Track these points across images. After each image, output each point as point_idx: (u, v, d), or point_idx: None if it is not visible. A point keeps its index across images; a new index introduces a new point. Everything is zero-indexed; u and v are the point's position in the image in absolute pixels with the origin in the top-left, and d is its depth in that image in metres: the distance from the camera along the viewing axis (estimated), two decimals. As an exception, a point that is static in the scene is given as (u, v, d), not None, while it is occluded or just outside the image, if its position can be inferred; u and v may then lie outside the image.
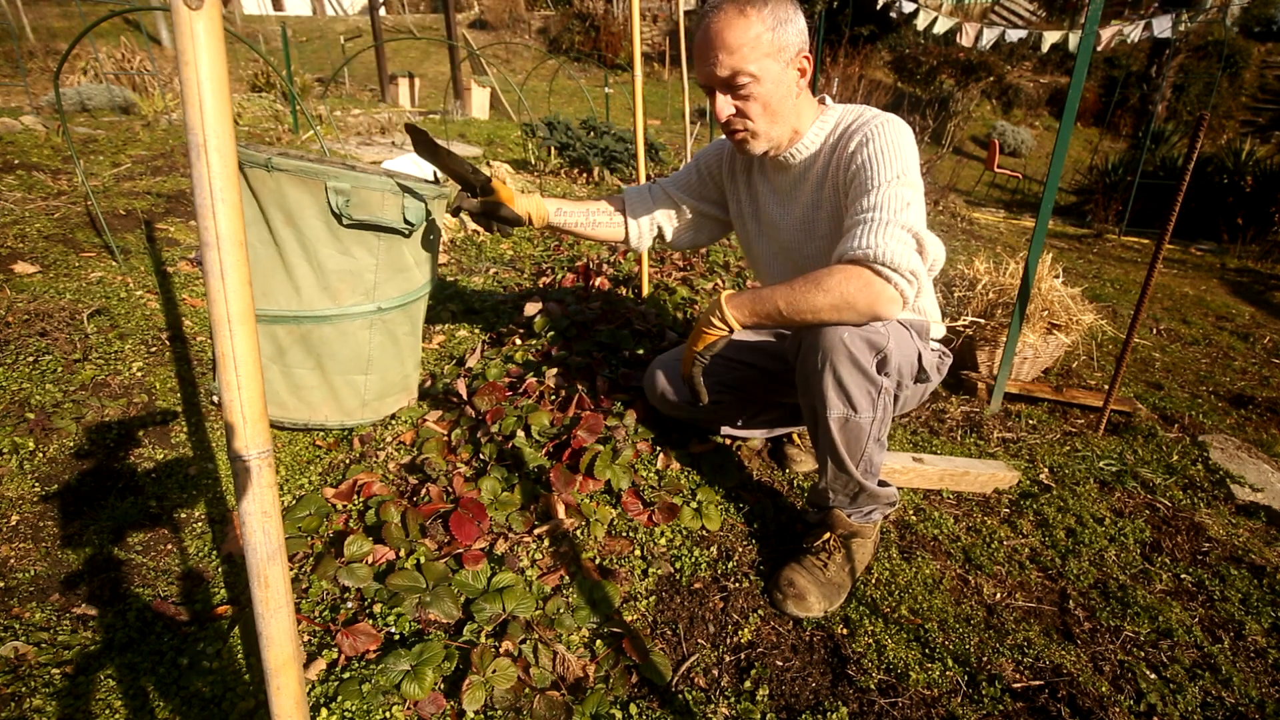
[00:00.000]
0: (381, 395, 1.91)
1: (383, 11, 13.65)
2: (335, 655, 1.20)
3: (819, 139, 1.45)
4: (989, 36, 7.12)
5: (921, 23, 7.07)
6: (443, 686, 1.16)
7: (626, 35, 14.74)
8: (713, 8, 1.34)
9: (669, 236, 1.76)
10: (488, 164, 4.87)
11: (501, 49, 14.89)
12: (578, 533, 1.55)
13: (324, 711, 1.09)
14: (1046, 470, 2.04)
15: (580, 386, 1.90)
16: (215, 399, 2.01)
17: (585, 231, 1.68)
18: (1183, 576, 1.64)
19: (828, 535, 1.51)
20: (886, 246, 1.21)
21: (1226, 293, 4.85)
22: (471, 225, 3.86)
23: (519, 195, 1.56)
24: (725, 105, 1.39)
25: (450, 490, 1.60)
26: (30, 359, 1.97)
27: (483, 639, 1.24)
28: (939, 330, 1.63)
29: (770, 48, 1.32)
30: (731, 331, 1.36)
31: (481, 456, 1.72)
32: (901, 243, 1.22)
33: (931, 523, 1.74)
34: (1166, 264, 5.62)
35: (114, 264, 2.68)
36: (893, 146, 1.31)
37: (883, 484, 1.50)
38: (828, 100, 1.48)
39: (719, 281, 2.96)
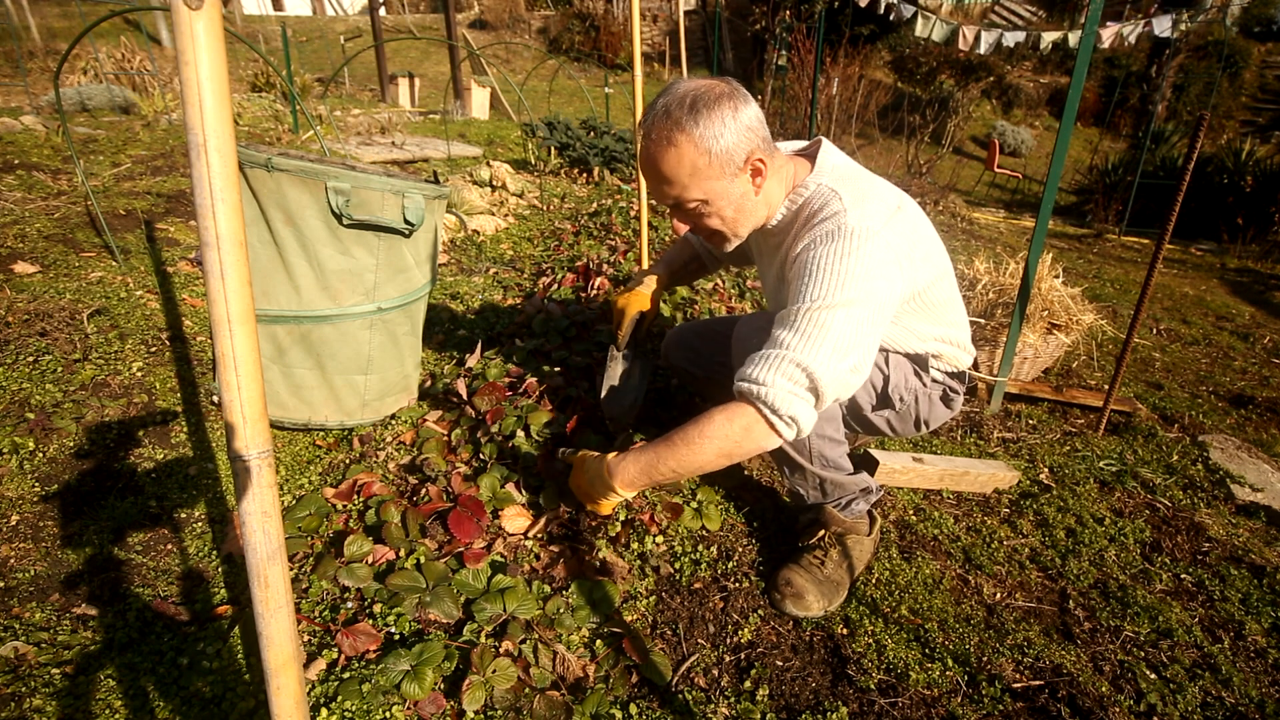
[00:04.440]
0: (381, 395, 1.91)
1: (383, 11, 13.65)
2: (335, 655, 1.20)
3: (788, 215, 1.38)
4: (987, 40, 7.12)
5: (921, 30, 7.07)
6: (443, 686, 1.16)
7: (626, 35, 14.74)
8: (645, 129, 1.25)
9: (722, 260, 1.85)
10: (488, 164, 4.87)
11: (501, 49, 14.90)
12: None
13: (324, 711, 1.09)
14: (1046, 470, 2.04)
15: (580, 386, 1.90)
16: (215, 399, 2.01)
17: (691, 278, 1.95)
18: (1183, 576, 1.64)
19: (822, 532, 1.51)
20: (773, 389, 1.16)
21: (1226, 293, 4.85)
22: (472, 225, 3.86)
23: (637, 291, 1.72)
24: (681, 222, 1.36)
25: (450, 489, 1.60)
26: (30, 359, 1.97)
27: (483, 639, 1.24)
28: (953, 364, 1.57)
29: (711, 170, 1.23)
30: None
31: (481, 456, 1.72)
32: (790, 385, 1.16)
33: (931, 523, 1.74)
34: (1166, 264, 5.62)
35: (114, 264, 2.68)
36: (835, 258, 1.20)
37: (852, 472, 1.50)
38: (818, 157, 1.37)
39: (718, 281, 2.96)
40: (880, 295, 1.20)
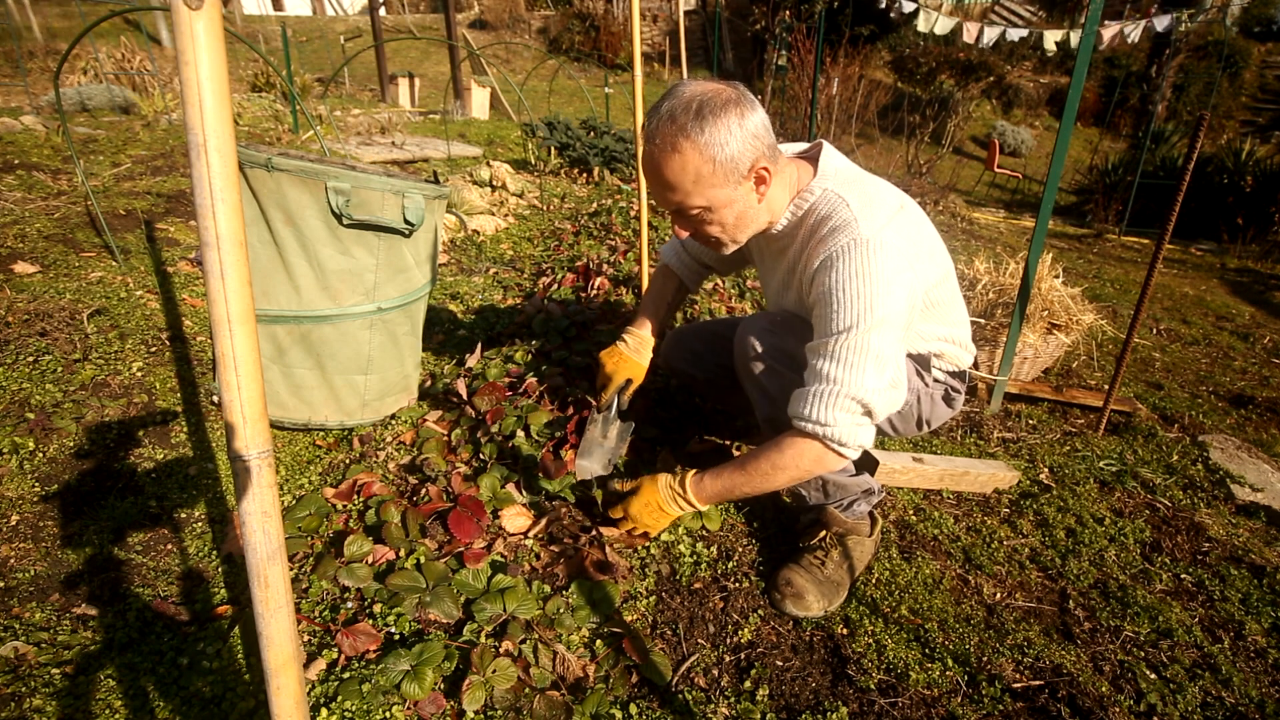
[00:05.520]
0: (381, 395, 1.92)
1: (383, 11, 13.65)
2: (335, 655, 1.20)
3: (793, 221, 1.37)
4: (989, 36, 7.12)
5: (923, 25, 7.06)
6: (443, 686, 1.16)
7: (626, 35, 14.74)
8: (649, 133, 1.23)
9: (716, 269, 1.86)
10: (488, 164, 4.87)
11: (501, 49, 14.89)
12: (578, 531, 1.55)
13: (324, 711, 1.09)
14: (1046, 470, 2.04)
15: (581, 386, 1.89)
16: (215, 399, 2.01)
17: (678, 309, 1.94)
18: (1183, 576, 1.64)
19: (823, 533, 1.51)
20: (838, 426, 1.23)
21: (1226, 293, 4.85)
22: (472, 225, 3.86)
23: (627, 357, 1.69)
24: (682, 228, 1.36)
25: (450, 489, 1.60)
26: (30, 359, 1.97)
27: (483, 639, 1.24)
28: (954, 363, 1.57)
29: (716, 178, 1.22)
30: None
31: (481, 456, 1.72)
32: (851, 418, 1.23)
33: (931, 523, 1.74)
34: (1166, 264, 5.62)
35: (114, 264, 2.68)
36: (858, 280, 1.20)
37: (854, 473, 1.50)
38: (820, 160, 1.37)
39: (718, 280, 2.96)
40: (901, 304, 1.23)
